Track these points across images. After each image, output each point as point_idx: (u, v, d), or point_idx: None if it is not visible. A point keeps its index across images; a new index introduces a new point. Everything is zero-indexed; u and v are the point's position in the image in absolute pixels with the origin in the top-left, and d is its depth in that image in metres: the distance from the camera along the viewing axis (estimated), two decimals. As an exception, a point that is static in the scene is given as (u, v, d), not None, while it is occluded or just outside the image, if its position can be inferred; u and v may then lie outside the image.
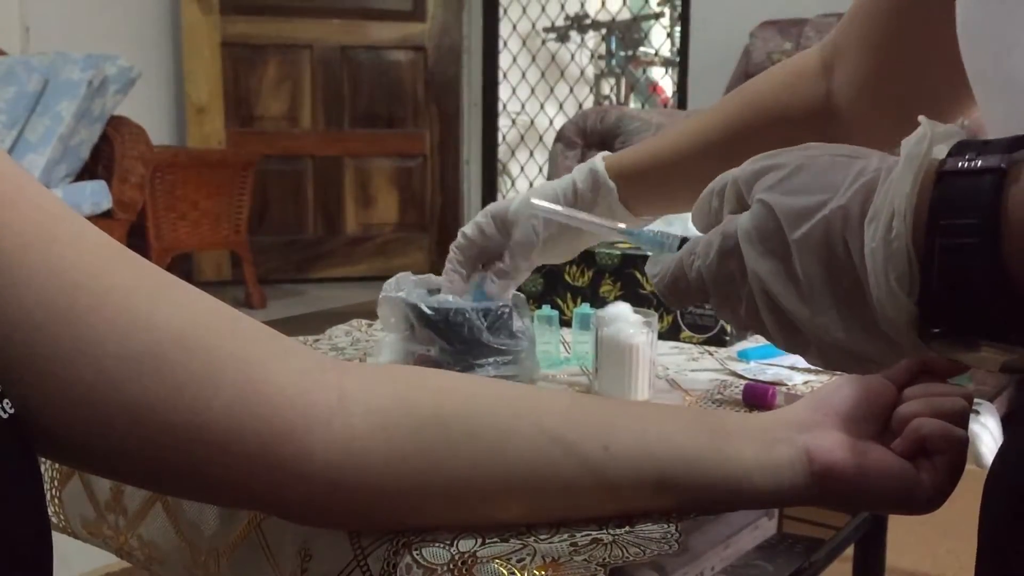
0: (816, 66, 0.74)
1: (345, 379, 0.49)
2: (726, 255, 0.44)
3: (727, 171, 0.48)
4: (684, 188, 0.74)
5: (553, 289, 1.02)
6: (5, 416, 0.39)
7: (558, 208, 0.61)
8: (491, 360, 0.75)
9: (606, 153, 0.81)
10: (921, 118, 0.41)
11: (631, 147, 0.81)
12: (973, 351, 0.39)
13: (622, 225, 0.56)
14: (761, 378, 0.79)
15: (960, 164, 0.38)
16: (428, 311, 0.75)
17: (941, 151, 0.39)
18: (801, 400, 0.53)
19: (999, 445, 0.62)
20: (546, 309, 0.90)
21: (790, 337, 0.43)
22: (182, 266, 3.77)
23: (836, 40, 0.73)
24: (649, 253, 0.52)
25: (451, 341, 0.75)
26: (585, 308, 0.91)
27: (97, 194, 3.05)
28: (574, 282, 1.01)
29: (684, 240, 0.50)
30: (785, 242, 0.42)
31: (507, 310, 0.77)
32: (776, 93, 0.75)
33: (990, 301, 0.36)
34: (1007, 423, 0.69)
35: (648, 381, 0.75)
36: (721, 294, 0.46)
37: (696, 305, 0.50)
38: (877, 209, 0.39)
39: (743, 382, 0.77)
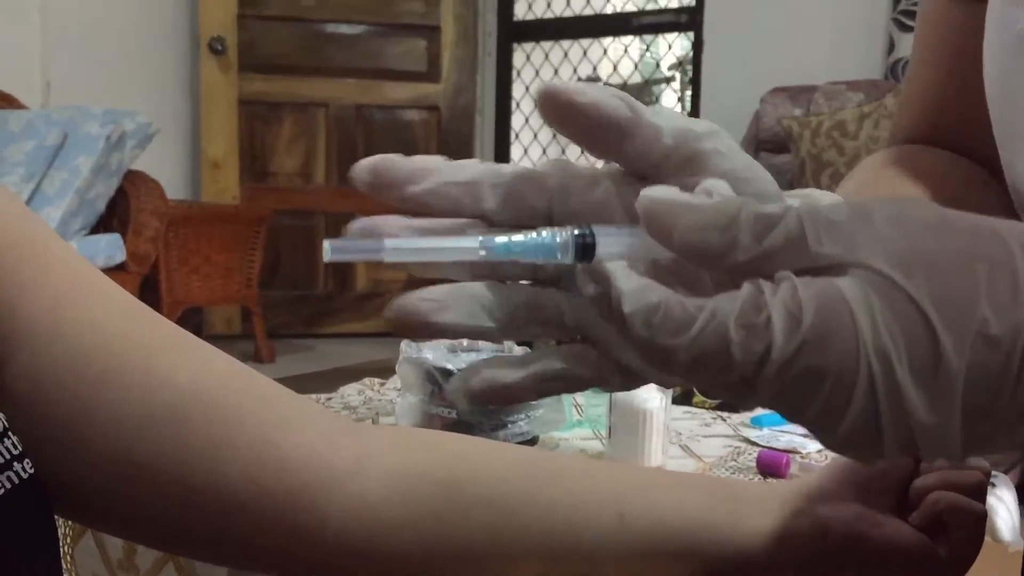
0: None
1: (362, 441, 0.49)
2: (817, 348, 0.29)
3: (744, 198, 0.32)
4: None
5: (565, 351, 1.02)
6: (25, 476, 0.39)
7: (406, 243, 0.35)
8: (522, 416, 0.76)
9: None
10: None
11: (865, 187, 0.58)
12: None
13: (479, 239, 0.33)
14: (775, 445, 0.79)
15: None
16: (457, 372, 0.76)
17: None
18: (818, 471, 0.53)
19: (1015, 518, 0.62)
20: (559, 372, 0.90)
21: (872, 444, 0.30)
22: (192, 319, 3.78)
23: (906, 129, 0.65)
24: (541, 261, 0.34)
25: None
26: (598, 371, 0.90)
27: (111, 247, 3.07)
28: (586, 345, 1.01)
29: (582, 238, 0.33)
30: (935, 351, 0.29)
31: None
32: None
33: None
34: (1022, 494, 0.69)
35: (662, 446, 0.75)
36: (787, 392, 0.30)
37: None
38: None
39: (757, 449, 0.77)
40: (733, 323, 0.29)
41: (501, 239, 0.33)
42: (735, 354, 0.29)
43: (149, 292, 3.24)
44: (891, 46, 3.59)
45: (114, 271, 3.02)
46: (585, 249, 0.33)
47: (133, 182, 3.21)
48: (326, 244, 0.32)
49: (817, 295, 0.29)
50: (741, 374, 0.29)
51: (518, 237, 0.33)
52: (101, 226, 3.17)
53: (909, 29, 3.39)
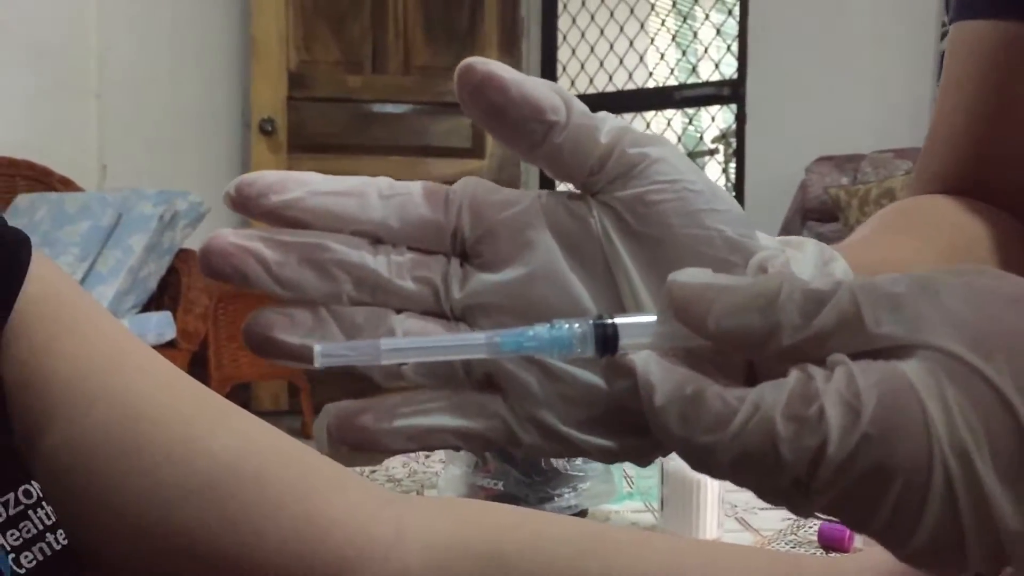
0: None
1: (404, 513, 0.48)
2: (881, 444, 0.25)
3: (806, 273, 0.31)
4: None
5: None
6: (58, 548, 0.38)
7: (404, 343, 0.30)
8: (568, 488, 0.75)
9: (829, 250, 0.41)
10: None
11: (863, 240, 0.51)
12: None
13: (485, 334, 0.29)
14: (835, 518, 0.76)
15: None
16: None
17: None
18: (885, 543, 0.50)
19: None
20: (608, 442, 0.88)
21: (953, 556, 0.26)
22: (240, 396, 3.80)
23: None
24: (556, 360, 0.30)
25: (528, 473, 0.74)
26: (648, 442, 0.88)
27: (161, 324, 3.11)
28: (636, 415, 0.99)
29: (603, 329, 0.29)
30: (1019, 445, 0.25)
31: None
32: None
33: None
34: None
35: (717, 519, 0.72)
36: (849, 496, 0.26)
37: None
38: None
39: (818, 521, 0.74)
40: (780, 416, 0.25)
41: (511, 333, 0.29)
42: (784, 452, 0.25)
43: (198, 368, 3.27)
44: (938, 113, 3.57)
45: (164, 348, 3.06)
46: (607, 341, 0.29)
47: (184, 260, 3.27)
48: (316, 348, 0.30)
49: (879, 382, 0.25)
50: (793, 475, 0.25)
51: (530, 331, 0.29)
52: (152, 304, 3.23)
53: (955, 96, 3.36)
